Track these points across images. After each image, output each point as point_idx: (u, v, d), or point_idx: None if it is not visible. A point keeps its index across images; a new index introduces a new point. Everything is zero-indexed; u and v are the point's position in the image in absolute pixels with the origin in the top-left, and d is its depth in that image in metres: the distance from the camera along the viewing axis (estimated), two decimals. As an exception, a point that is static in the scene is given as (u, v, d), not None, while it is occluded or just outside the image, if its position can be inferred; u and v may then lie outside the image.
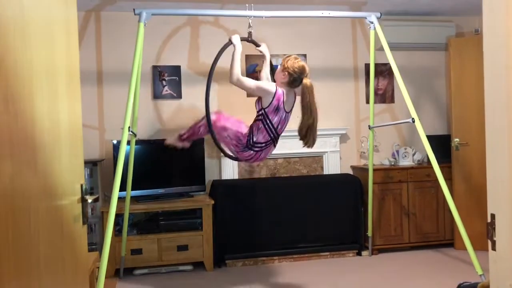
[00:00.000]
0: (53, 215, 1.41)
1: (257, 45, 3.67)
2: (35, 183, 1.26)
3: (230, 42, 3.40)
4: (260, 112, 3.36)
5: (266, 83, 3.44)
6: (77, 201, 1.64)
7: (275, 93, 3.29)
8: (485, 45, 1.23)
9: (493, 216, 1.05)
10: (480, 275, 3.43)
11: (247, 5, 3.69)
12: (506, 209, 1.04)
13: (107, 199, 4.40)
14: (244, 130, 3.44)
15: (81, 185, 1.69)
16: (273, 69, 3.73)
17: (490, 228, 1.05)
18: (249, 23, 3.62)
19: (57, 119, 1.47)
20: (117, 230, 4.26)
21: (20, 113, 1.17)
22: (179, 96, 4.91)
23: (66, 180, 1.55)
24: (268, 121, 3.34)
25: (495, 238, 1.05)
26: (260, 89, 3.31)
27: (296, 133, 3.35)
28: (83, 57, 4.59)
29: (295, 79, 3.30)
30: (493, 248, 1.05)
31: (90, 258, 3.08)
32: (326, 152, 5.12)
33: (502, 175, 1.07)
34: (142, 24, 3.47)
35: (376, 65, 4.94)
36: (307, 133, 3.30)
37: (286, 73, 3.30)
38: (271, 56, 3.77)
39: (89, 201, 1.67)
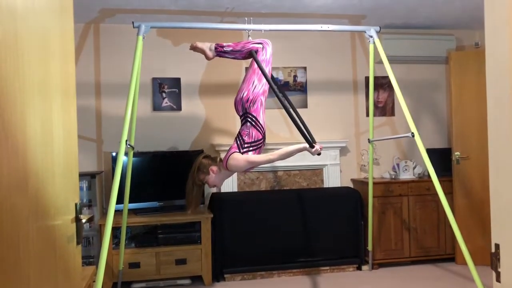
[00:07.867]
0: (45, 237, 1.37)
1: None
2: (26, 205, 1.22)
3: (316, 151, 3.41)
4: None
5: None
6: (71, 221, 1.59)
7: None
8: (487, 64, 1.20)
9: (497, 246, 1.01)
10: (482, 292, 3.37)
11: (246, 18, 3.68)
12: (511, 239, 0.99)
13: (106, 212, 4.35)
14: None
15: (76, 204, 1.65)
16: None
17: (494, 259, 1.01)
18: (248, 37, 3.62)
19: (51, 137, 1.44)
20: (115, 243, 4.22)
21: (10, 134, 1.14)
22: (178, 108, 4.89)
23: (60, 199, 1.52)
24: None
25: (499, 269, 1.01)
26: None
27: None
28: (82, 69, 4.59)
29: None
30: (498, 280, 1.00)
31: (87, 272, 3.03)
32: (326, 165, 5.08)
33: (507, 204, 1.03)
34: (140, 37, 3.44)
35: (376, 78, 4.94)
36: None
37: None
38: (272, 69, 3.74)
39: (83, 220, 1.64)
